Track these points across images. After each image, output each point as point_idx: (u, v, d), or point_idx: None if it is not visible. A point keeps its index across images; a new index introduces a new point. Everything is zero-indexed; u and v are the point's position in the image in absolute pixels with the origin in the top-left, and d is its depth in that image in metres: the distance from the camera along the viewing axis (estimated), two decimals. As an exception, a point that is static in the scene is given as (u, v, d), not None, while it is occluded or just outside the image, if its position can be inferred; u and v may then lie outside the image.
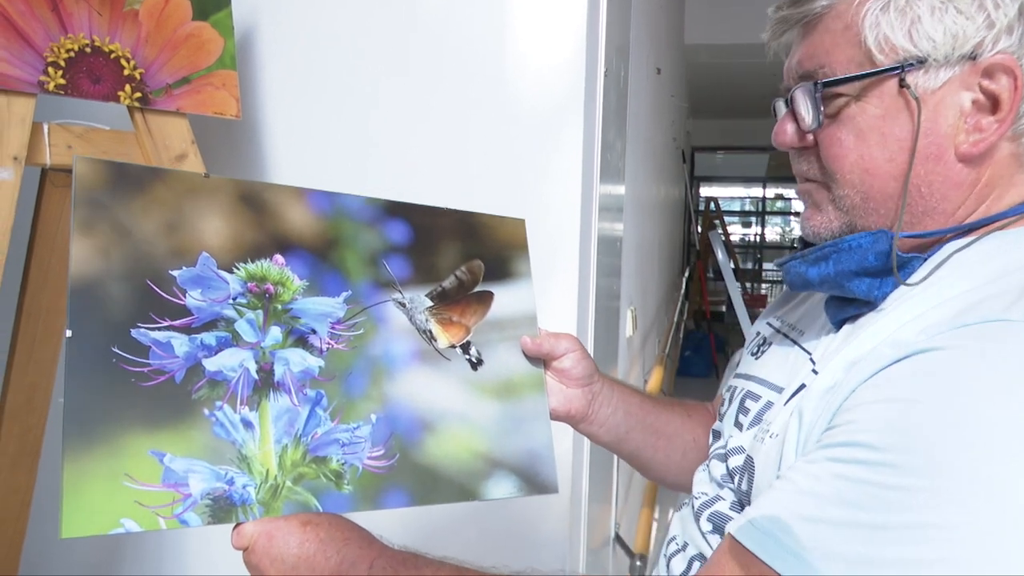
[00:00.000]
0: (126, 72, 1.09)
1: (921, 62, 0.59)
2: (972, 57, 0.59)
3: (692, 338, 6.32)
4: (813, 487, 0.54)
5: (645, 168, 2.73)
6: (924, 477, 0.50)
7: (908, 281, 0.61)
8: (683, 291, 5.90)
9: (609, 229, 1.63)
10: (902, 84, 0.60)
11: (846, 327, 0.65)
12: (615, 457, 1.78)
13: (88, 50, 1.06)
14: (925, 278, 0.60)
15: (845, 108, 0.63)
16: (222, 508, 0.61)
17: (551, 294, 1.29)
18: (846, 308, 0.65)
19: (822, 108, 0.63)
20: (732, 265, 6.39)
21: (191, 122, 1.16)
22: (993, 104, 0.60)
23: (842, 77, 0.62)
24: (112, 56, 1.08)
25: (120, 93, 1.09)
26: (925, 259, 0.62)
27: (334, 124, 1.38)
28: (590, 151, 1.34)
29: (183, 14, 1.14)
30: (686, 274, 6.62)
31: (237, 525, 0.62)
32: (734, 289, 4.19)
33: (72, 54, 1.04)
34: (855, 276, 0.63)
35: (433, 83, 1.33)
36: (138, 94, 1.10)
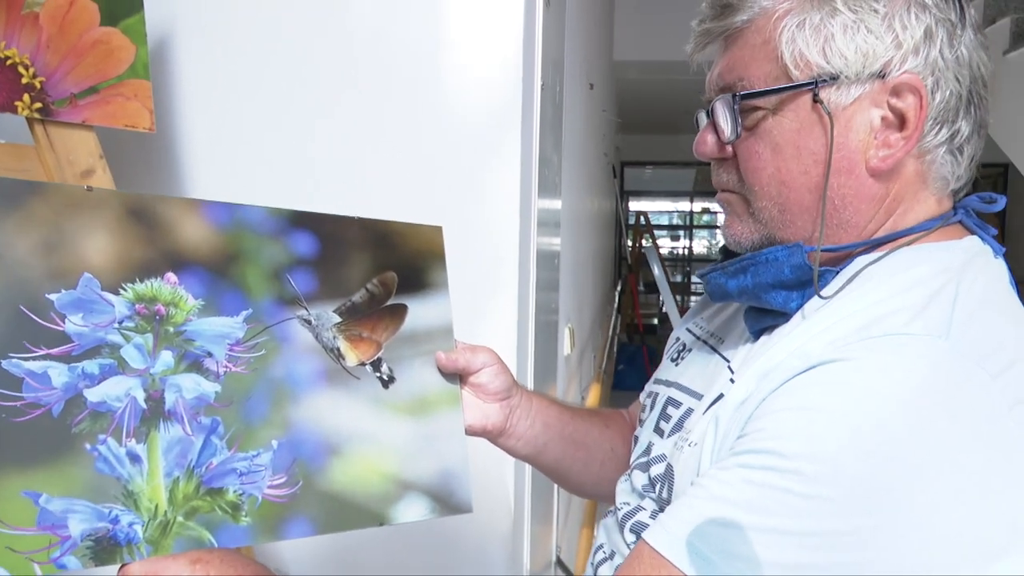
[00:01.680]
0: (24, 80, 1.00)
1: (834, 78, 0.62)
2: (881, 75, 0.61)
3: (625, 351, 6.37)
4: (724, 493, 0.57)
5: (579, 182, 2.73)
6: (828, 485, 0.53)
7: (821, 294, 0.63)
8: (616, 305, 5.95)
9: (547, 244, 1.61)
10: (815, 99, 0.62)
11: (763, 337, 0.67)
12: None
13: (-20, 55, 0.97)
14: (838, 291, 0.62)
15: (762, 121, 0.64)
16: (105, 549, 0.57)
17: (491, 310, 1.25)
18: (763, 319, 0.67)
19: (740, 120, 0.65)
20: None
21: (100, 135, 1.07)
22: (900, 121, 0.62)
23: (759, 90, 0.64)
24: (8, 63, 0.99)
25: (18, 103, 0.99)
26: (837, 272, 0.64)
27: (259, 137, 1.31)
28: (528, 165, 1.32)
29: (90, 18, 1.05)
30: (619, 288, 6.69)
31: (123, 566, 0.58)
32: (671, 304, 4.25)
33: (-39, 60, 0.95)
34: (771, 288, 0.65)
35: (368, 97, 1.27)
36: (38, 104, 1.01)
